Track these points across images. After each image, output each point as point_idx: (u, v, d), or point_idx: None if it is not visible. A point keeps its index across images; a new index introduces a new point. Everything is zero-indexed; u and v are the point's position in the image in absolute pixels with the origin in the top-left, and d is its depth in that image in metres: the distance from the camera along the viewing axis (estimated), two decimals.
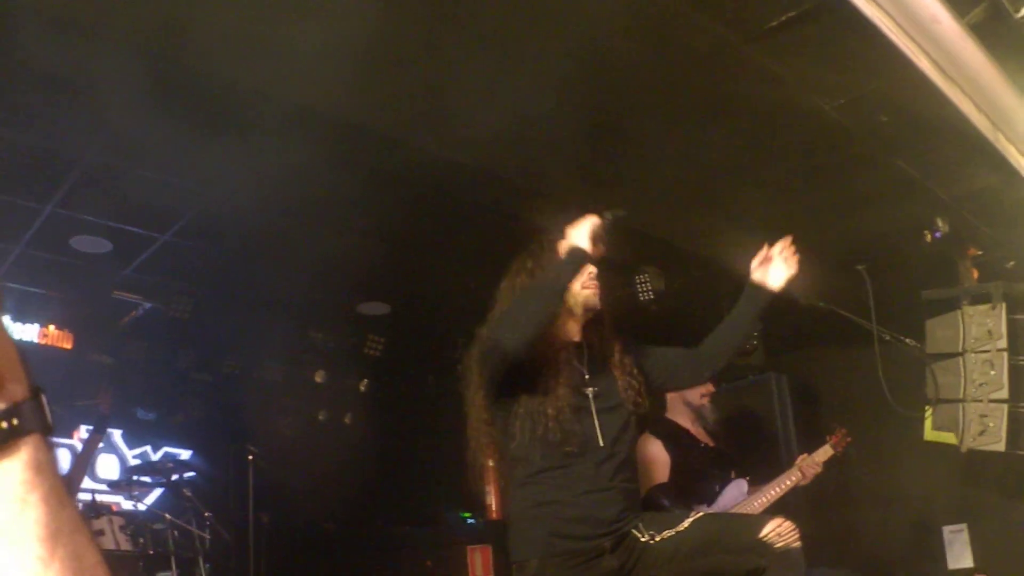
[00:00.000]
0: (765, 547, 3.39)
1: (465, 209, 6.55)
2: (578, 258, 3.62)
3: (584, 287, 3.79)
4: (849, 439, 6.02)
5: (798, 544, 3.44)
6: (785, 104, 5.27)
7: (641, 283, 7.34)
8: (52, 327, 8.73)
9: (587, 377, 3.79)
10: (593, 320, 3.93)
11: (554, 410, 3.62)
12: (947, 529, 8.22)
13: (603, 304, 3.90)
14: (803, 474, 5.82)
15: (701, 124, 5.51)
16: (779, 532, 3.41)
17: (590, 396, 3.73)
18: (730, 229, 6.82)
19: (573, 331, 3.85)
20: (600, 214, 3.73)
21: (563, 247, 3.70)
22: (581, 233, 3.66)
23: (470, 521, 9.35)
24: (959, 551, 8.12)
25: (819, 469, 5.86)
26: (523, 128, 5.44)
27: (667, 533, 3.59)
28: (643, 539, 3.59)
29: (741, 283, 6.36)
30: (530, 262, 3.91)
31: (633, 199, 6.45)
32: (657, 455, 5.69)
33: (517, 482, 3.74)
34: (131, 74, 5.07)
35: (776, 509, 5.72)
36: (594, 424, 3.70)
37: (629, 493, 3.73)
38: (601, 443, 3.68)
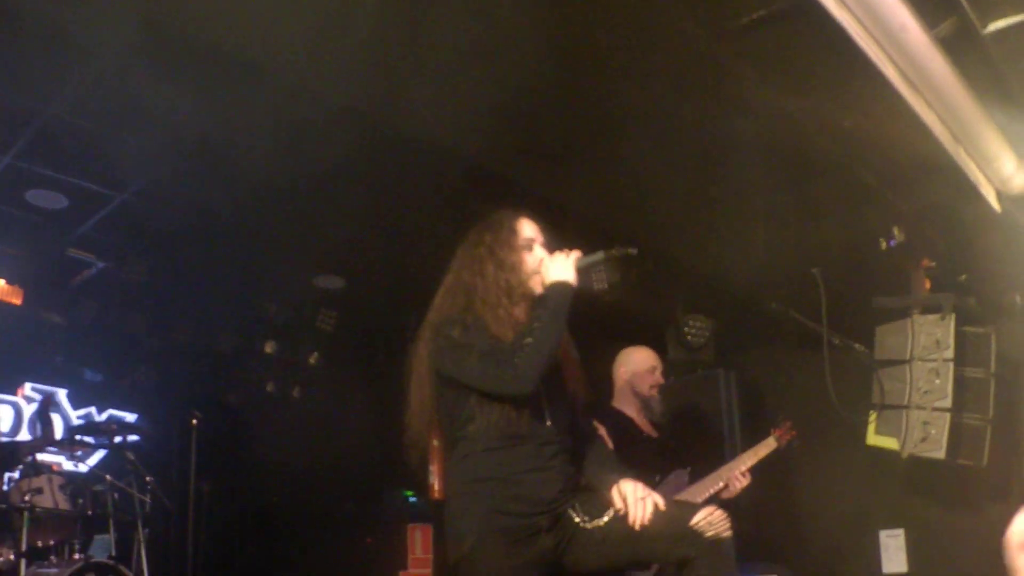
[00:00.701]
0: (695, 536, 3.40)
1: (425, 187, 6.54)
2: (567, 295, 3.62)
3: (536, 272, 3.77)
4: (794, 432, 6.05)
5: (729, 534, 3.43)
6: (749, 103, 5.30)
7: (595, 273, 7.34)
8: (2, 281, 8.63)
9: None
10: None
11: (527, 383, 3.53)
12: (884, 533, 8.31)
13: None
14: (737, 478, 5.83)
15: (666, 117, 5.53)
16: (710, 521, 3.42)
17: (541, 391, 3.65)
18: (688, 224, 6.86)
19: (525, 317, 3.73)
20: (609, 250, 3.77)
21: (547, 273, 3.68)
22: (566, 267, 3.66)
23: (412, 500, 9.37)
24: (894, 555, 8.22)
25: (745, 481, 5.85)
26: (485, 107, 5.43)
27: (601, 519, 3.59)
28: (576, 519, 3.59)
29: (696, 278, 6.45)
30: (488, 236, 3.86)
31: (594, 187, 6.48)
32: None
33: (458, 458, 3.69)
34: (100, 29, 5.04)
35: (714, 503, 5.76)
36: (542, 406, 3.67)
37: (568, 475, 3.71)
38: (548, 423, 3.67)
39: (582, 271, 3.71)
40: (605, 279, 7.26)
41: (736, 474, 5.82)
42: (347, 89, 5.38)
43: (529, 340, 3.50)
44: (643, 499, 3.54)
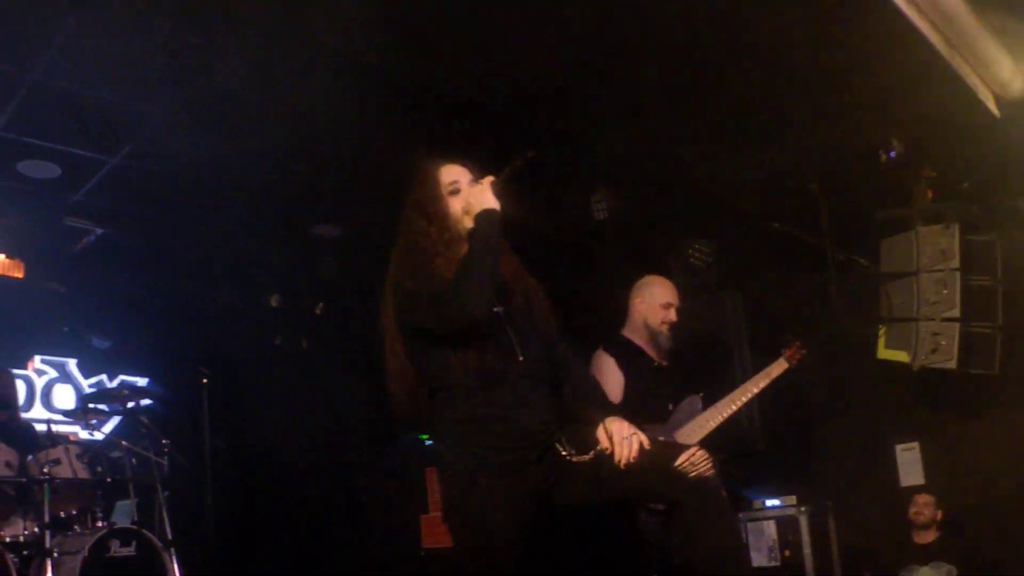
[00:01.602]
0: (679, 476, 3.44)
1: (417, 127, 6.49)
2: (494, 220, 3.68)
3: (466, 212, 3.77)
4: (803, 351, 6.03)
5: (711, 473, 3.47)
6: (740, 16, 5.23)
7: (595, 202, 7.32)
8: (2, 256, 8.61)
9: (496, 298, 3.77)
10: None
11: (472, 333, 3.64)
12: (899, 447, 8.34)
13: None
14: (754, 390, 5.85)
15: (662, 31, 5.46)
16: (692, 462, 3.45)
17: (501, 314, 3.75)
18: (686, 146, 6.80)
19: None
20: (511, 160, 3.77)
21: (473, 206, 3.74)
22: (486, 196, 3.72)
23: (428, 443, 9.38)
24: (911, 468, 8.26)
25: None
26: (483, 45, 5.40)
27: (587, 454, 3.63)
28: (563, 453, 3.64)
29: (698, 200, 6.39)
30: (416, 192, 3.93)
31: (588, 112, 6.43)
32: (609, 373, 5.63)
33: (440, 404, 3.76)
34: None
35: (730, 426, 5.77)
36: (512, 342, 3.72)
37: (551, 406, 3.75)
38: (521, 358, 3.71)
39: (502, 189, 3.75)
40: (605, 208, 7.27)
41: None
42: (344, 30, 5.33)
43: (461, 271, 3.60)
44: (628, 438, 3.56)
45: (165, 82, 5.86)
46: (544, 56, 5.67)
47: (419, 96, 6.06)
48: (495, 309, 3.72)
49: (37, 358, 9.31)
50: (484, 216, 3.69)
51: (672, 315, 5.79)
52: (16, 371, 8.85)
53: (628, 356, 5.71)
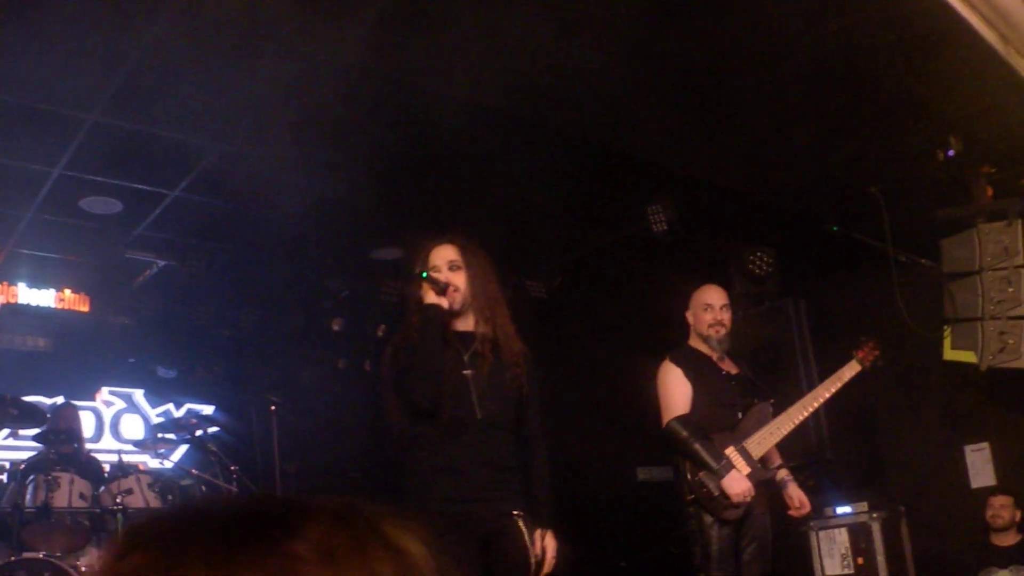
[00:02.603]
0: None
1: (473, 152, 6.52)
2: (430, 316, 4.07)
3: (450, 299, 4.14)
4: (877, 352, 5.96)
5: None
6: (791, 22, 5.21)
7: (654, 215, 7.32)
8: (68, 291, 8.77)
9: (466, 360, 4.12)
10: (487, 313, 4.23)
11: (441, 386, 4.02)
12: (969, 448, 8.23)
13: (473, 300, 4.20)
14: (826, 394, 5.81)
15: (715, 41, 5.46)
16: None
17: (469, 378, 4.07)
18: (742, 153, 6.77)
19: (461, 324, 4.20)
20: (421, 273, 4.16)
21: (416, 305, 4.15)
22: (426, 292, 4.11)
23: None
24: (981, 469, 8.13)
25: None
26: (539, 72, 5.42)
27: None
28: (523, 531, 3.97)
29: (754, 209, 6.36)
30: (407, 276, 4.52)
31: (643, 128, 6.43)
32: (676, 383, 5.66)
33: (406, 448, 4.12)
34: (130, 28, 5.07)
35: (797, 434, 5.73)
36: (472, 401, 4.03)
37: (506, 466, 4.06)
38: (479, 416, 4.02)
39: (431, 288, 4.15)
40: (664, 220, 7.26)
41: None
42: (400, 59, 5.40)
43: (407, 365, 4.07)
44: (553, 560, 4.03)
45: (221, 115, 5.95)
46: (595, 69, 5.68)
47: (472, 115, 6.08)
48: (464, 372, 4.07)
49: (105, 389, 9.44)
50: (422, 312, 4.10)
51: (714, 316, 5.77)
52: (84, 403, 8.99)
53: (695, 365, 5.70)
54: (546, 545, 4.02)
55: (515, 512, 3.95)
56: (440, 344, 4.06)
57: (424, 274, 4.13)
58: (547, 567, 4.00)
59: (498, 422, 4.07)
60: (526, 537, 3.93)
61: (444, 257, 4.22)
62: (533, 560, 3.95)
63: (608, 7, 5.03)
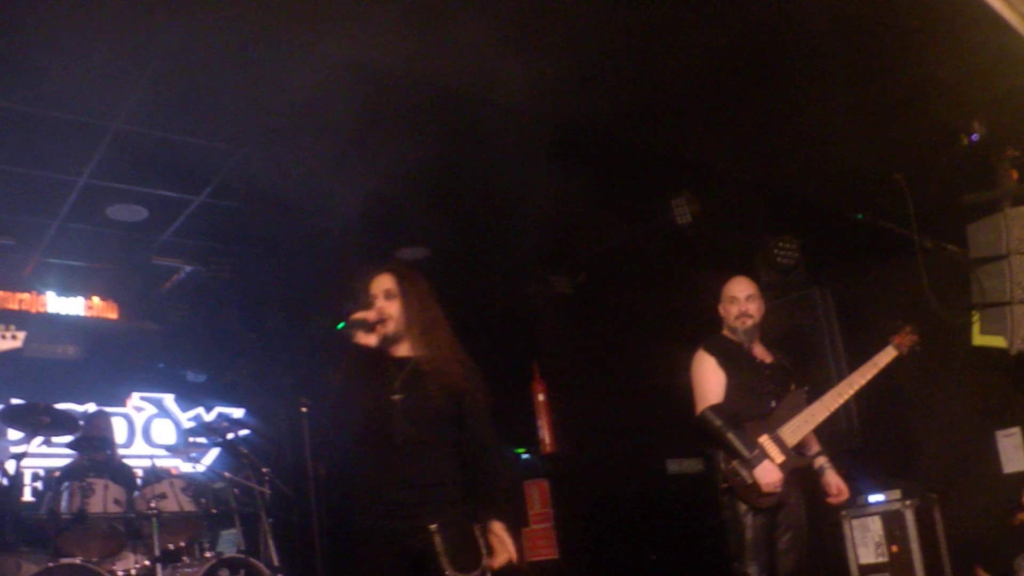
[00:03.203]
0: None
1: (498, 150, 6.52)
2: (361, 353, 4.24)
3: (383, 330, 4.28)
4: (914, 337, 5.94)
5: None
6: (813, 10, 5.20)
7: (678, 207, 7.32)
8: (96, 298, 8.84)
9: (397, 385, 4.23)
10: (424, 338, 4.34)
11: (368, 411, 4.19)
12: (1000, 433, 8.17)
13: (408, 327, 4.32)
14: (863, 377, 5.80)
15: (740, 31, 5.45)
16: None
17: (396, 402, 4.18)
18: (764, 142, 6.74)
19: (398, 350, 4.34)
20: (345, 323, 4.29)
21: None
22: (354, 336, 4.25)
23: (524, 456, 9.42)
24: (1013, 454, 8.08)
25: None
26: (566, 69, 5.43)
27: (471, 572, 4.01)
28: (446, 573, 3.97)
29: (778, 198, 6.33)
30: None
31: (665, 121, 6.43)
32: (710, 372, 5.71)
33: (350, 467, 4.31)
34: (148, 38, 5.10)
35: (828, 422, 5.72)
36: (396, 421, 4.14)
37: (429, 484, 4.11)
38: (402, 438, 4.13)
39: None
40: (688, 212, 7.25)
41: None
42: (427, 58, 5.43)
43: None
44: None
45: (244, 120, 5.98)
46: (617, 63, 5.68)
47: (501, 114, 6.09)
48: (393, 396, 4.19)
49: (135, 395, 9.51)
50: (352, 351, 4.27)
51: (740, 307, 5.81)
52: (116, 409, 9.06)
53: (728, 355, 5.74)
54: (496, 532, 4.09)
55: (431, 526, 4.00)
56: (363, 379, 4.23)
57: (340, 325, 4.29)
58: (504, 555, 4.07)
59: (424, 441, 4.16)
60: (440, 551, 3.97)
61: (380, 287, 4.37)
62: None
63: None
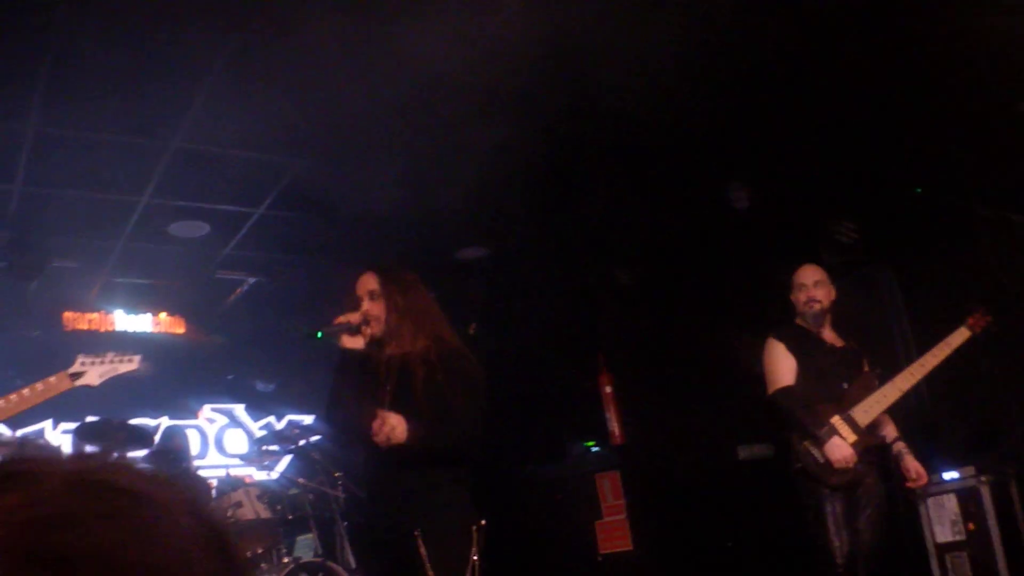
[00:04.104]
0: None
1: (552, 146, 6.54)
2: (348, 357, 4.27)
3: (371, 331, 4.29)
4: (989, 318, 5.88)
5: None
6: None
7: (735, 192, 7.30)
8: (163, 314, 8.97)
9: (388, 387, 4.20)
10: (412, 333, 4.31)
11: (359, 415, 4.14)
12: None
13: (397, 325, 4.30)
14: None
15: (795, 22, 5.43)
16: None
17: (386, 403, 4.14)
18: (818, 122, 6.68)
19: (389, 348, 4.31)
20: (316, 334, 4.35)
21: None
22: (340, 341, 4.30)
23: (594, 449, 9.42)
24: None
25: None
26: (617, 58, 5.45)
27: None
28: (424, 558, 3.95)
29: (836, 178, 6.24)
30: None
31: (719, 105, 6.40)
32: (781, 358, 5.74)
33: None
34: (203, 55, 5.17)
35: (901, 404, 5.69)
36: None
37: (413, 490, 4.10)
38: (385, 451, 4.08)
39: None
40: (745, 197, 7.22)
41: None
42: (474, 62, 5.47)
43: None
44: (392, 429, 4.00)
45: (302, 131, 6.04)
46: (669, 55, 5.67)
47: (558, 112, 6.12)
48: (384, 398, 4.16)
49: (207, 407, 9.62)
50: (340, 355, 4.33)
51: (807, 294, 5.84)
52: (188, 422, 9.19)
53: (798, 340, 5.77)
54: (389, 419, 4.00)
55: (415, 532, 3.96)
56: (354, 383, 4.22)
57: (319, 334, 4.32)
58: (387, 429, 3.97)
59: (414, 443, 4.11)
60: (424, 558, 3.93)
61: (365, 287, 4.36)
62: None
63: None
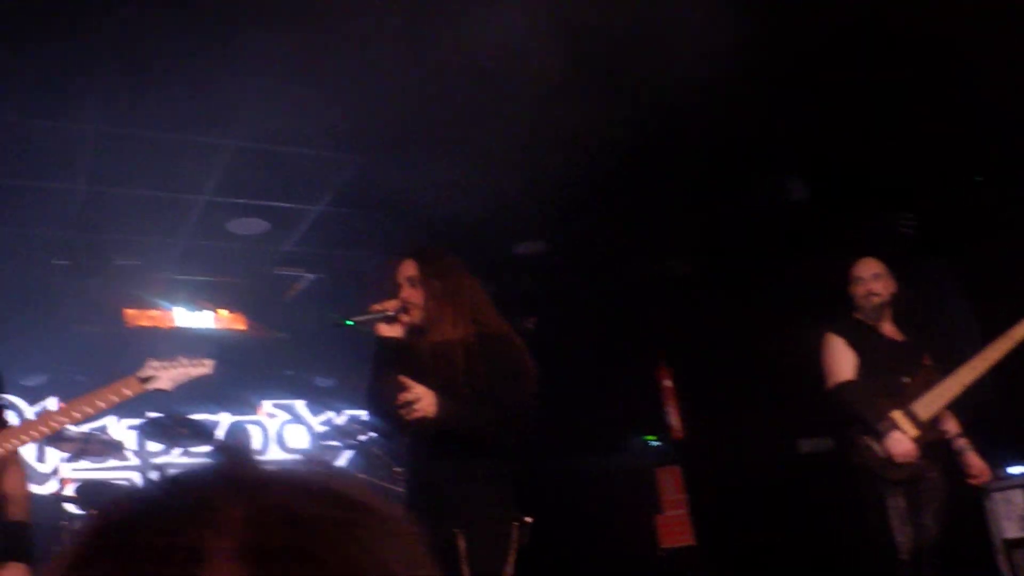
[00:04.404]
0: None
1: (609, 139, 6.51)
2: (387, 346, 4.14)
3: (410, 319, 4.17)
4: None
5: None
6: None
7: (791, 183, 7.25)
8: (224, 311, 9.04)
9: (429, 376, 4.03)
10: (456, 319, 4.18)
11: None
12: None
13: (438, 311, 4.17)
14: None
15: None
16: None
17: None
18: (872, 112, 6.60)
19: (432, 335, 4.17)
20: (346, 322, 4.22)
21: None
22: (377, 330, 4.17)
23: (654, 444, 9.39)
24: None
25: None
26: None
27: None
28: (462, 556, 3.84)
29: (892, 168, 6.15)
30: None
31: (774, 98, 6.34)
32: (840, 353, 5.69)
33: None
34: (262, 52, 5.20)
35: (964, 398, 5.60)
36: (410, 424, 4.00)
37: (452, 482, 4.00)
38: (433, 435, 4.00)
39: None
40: (801, 188, 7.15)
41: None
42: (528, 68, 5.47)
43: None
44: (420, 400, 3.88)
45: (358, 128, 6.06)
46: (727, 46, 5.63)
47: (616, 105, 6.10)
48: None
49: (267, 403, 9.70)
50: (378, 345, 4.19)
51: (865, 287, 5.78)
52: (249, 417, 9.27)
53: (857, 335, 5.73)
54: (416, 389, 3.90)
55: (455, 529, 3.84)
56: (392, 372, 4.03)
57: (349, 322, 4.19)
58: (412, 398, 3.87)
59: (456, 433, 4.00)
60: (463, 556, 3.81)
61: (404, 274, 4.23)
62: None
63: None
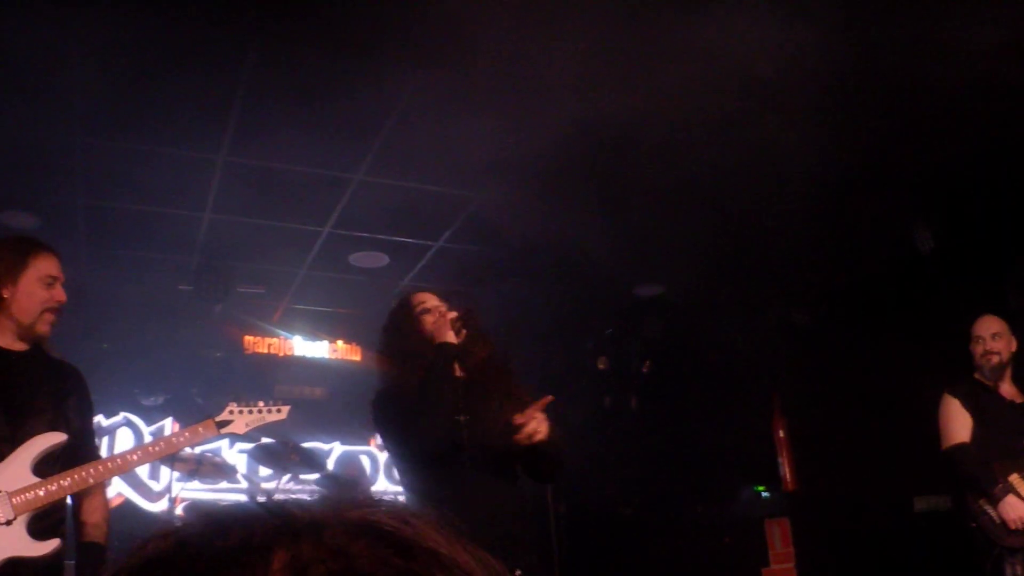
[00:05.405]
0: None
1: (732, 184, 6.47)
2: (449, 355, 3.95)
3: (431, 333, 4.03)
4: None
5: None
6: None
7: (919, 233, 7.10)
8: (340, 342, 9.17)
9: (461, 405, 3.92)
10: (472, 358, 4.11)
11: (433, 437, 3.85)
12: None
13: (474, 341, 4.12)
14: None
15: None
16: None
17: (462, 422, 3.88)
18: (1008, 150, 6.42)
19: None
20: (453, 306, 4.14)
21: (433, 337, 4.00)
22: (444, 331, 3.98)
23: (765, 494, 9.24)
24: None
25: None
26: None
27: None
28: None
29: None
30: (396, 322, 4.22)
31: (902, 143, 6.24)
32: (955, 415, 5.56)
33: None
34: (386, 94, 5.29)
35: None
36: (461, 432, 3.86)
37: (497, 503, 3.79)
38: (466, 449, 3.82)
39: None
40: (930, 238, 6.99)
41: None
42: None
43: (420, 398, 3.87)
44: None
45: (480, 166, 6.11)
46: (855, 95, 5.56)
47: (737, 154, 6.06)
48: (458, 417, 3.87)
49: (378, 436, 9.77)
50: (437, 350, 3.95)
51: (984, 346, 5.64)
52: (360, 447, 9.37)
53: (974, 396, 5.58)
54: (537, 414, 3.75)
55: (516, 572, 3.62)
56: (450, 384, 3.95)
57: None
58: (534, 424, 3.70)
59: (490, 455, 3.87)
60: None
61: (432, 300, 4.18)
62: None
63: None
